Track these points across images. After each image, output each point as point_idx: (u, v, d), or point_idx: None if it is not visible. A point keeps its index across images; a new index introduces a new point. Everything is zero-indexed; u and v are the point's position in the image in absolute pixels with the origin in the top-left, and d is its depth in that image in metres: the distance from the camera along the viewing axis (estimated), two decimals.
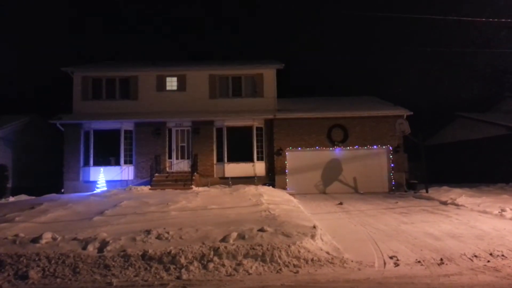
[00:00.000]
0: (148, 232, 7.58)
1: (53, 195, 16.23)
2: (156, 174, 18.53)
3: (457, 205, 12.90)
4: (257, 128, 19.74)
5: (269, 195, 13.66)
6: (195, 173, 18.22)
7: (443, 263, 6.30)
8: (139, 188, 16.40)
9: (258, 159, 19.59)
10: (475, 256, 6.63)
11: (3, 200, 16.27)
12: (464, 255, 6.71)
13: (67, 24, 50.68)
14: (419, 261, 6.43)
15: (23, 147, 20.33)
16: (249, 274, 6.06)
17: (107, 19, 54.83)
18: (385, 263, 6.39)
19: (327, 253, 6.75)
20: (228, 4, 61.15)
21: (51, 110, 22.51)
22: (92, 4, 54.01)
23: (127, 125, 19.39)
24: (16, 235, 7.66)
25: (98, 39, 50.87)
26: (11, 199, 16.67)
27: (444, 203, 13.62)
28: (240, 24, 59.31)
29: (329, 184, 19.57)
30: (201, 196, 13.36)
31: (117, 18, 55.70)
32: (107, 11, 54.60)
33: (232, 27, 57.51)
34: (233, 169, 19.27)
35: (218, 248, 6.62)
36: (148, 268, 6.24)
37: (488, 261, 6.34)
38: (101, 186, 17.54)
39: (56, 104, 26.29)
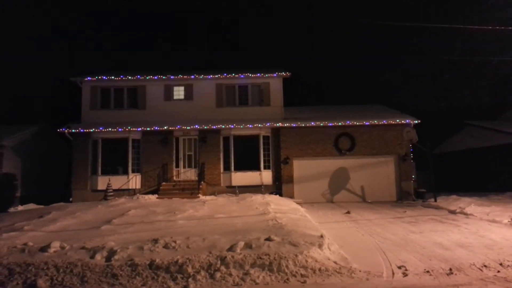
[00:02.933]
0: (155, 241, 7.60)
1: (62, 204, 16.33)
2: (163, 183, 18.61)
3: (466, 214, 12.78)
4: (263, 136, 19.77)
5: (276, 204, 13.62)
6: (202, 182, 18.25)
7: (452, 273, 6.23)
8: (146, 197, 16.46)
9: (265, 168, 19.58)
10: (485, 266, 6.55)
11: (12, 209, 16.41)
12: (474, 265, 6.64)
13: (76, 33, 51.39)
14: (427, 271, 6.37)
15: (32, 156, 20.51)
16: (256, 283, 6.04)
17: (115, 29, 55.49)
18: (393, 273, 6.34)
19: (335, 262, 6.72)
20: (236, 13, 61.68)
21: (59, 119, 22.72)
22: (100, 14, 54.73)
23: (135, 134, 19.53)
24: (25, 244, 7.73)
25: (106, 49, 51.47)
26: (20, 208, 16.80)
27: (453, 212, 13.51)
28: (248, 33, 59.71)
29: (337, 193, 19.49)
30: (208, 205, 13.38)
31: (125, 28, 56.34)
32: (115, 21, 55.31)
33: (239, 36, 57.92)
34: (240, 177, 19.27)
35: (225, 257, 6.62)
36: (155, 277, 6.25)
37: (498, 271, 6.27)
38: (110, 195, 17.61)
39: (64, 113, 26.57)
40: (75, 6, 53.61)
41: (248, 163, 19.45)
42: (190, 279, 6.12)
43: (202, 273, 6.29)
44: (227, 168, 19.53)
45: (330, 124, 19.82)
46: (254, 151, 19.56)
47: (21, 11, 45.60)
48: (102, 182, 18.70)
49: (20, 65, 41.54)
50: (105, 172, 19.00)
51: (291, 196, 18.68)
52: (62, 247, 7.44)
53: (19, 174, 19.35)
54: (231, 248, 7.10)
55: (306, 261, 6.56)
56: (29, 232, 9.21)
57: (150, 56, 50.76)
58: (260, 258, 6.59)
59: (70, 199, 18.64)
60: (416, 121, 19.58)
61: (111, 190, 17.82)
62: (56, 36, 48.74)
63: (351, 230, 10.63)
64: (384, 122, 19.93)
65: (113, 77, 20.92)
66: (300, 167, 19.59)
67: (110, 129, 19.26)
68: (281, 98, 20.60)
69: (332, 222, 12.22)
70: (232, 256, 6.64)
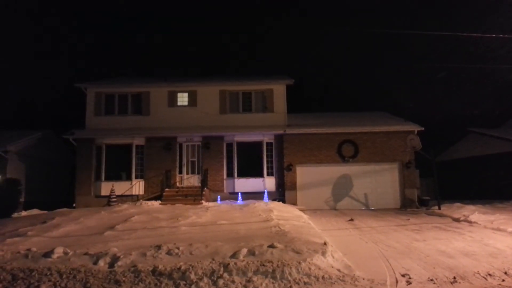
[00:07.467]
0: (158, 247, 7.59)
1: (65, 209, 16.35)
2: (167, 189, 18.62)
3: (470, 222, 12.70)
4: (267, 143, 19.78)
5: (279, 210, 13.60)
6: (205, 188, 18.25)
7: (456, 282, 6.19)
8: (149, 203, 16.47)
9: (268, 175, 19.57)
10: (489, 274, 6.50)
11: (15, 215, 16.43)
12: (478, 273, 6.58)
13: (81, 40, 51.77)
14: (431, 279, 6.32)
15: (36, 162, 20.58)
16: None
17: (120, 36, 55.88)
18: (397, 281, 6.30)
19: (338, 270, 6.68)
20: (239, 20, 61.98)
21: (64, 125, 22.84)
22: (105, 21, 55.15)
23: (139, 140, 19.59)
24: (29, 250, 7.74)
25: (111, 55, 51.81)
26: (24, 213, 16.84)
27: (457, 220, 13.42)
28: (251, 39, 59.95)
29: (340, 200, 19.43)
30: (211, 211, 13.36)
31: (130, 35, 56.72)
32: (120, 28, 55.70)
33: (242, 43, 58.17)
34: (243, 184, 19.26)
35: (228, 264, 6.60)
36: (158, 284, 6.23)
37: (503, 280, 6.21)
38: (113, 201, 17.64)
39: (69, 119, 26.71)
40: (80, 12, 54.07)
41: (251, 169, 19.46)
42: (193, 286, 6.10)
43: (205, 280, 6.26)
44: (230, 174, 19.54)
45: (334, 131, 19.84)
46: (257, 158, 19.57)
47: (27, 17, 46.04)
48: (105, 188, 18.74)
49: (26, 71, 41.87)
50: (108, 178, 19.04)
51: (294, 203, 18.63)
52: (66, 253, 7.45)
53: (23, 179, 19.37)
54: (234, 255, 7.08)
55: (309, 268, 6.53)
56: (33, 238, 9.23)
57: (154, 62, 51.04)
58: (263, 265, 6.56)
59: (74, 205, 18.67)
60: (420, 128, 19.57)
61: (114, 196, 17.85)
62: (61, 41, 49.13)
63: (354, 237, 10.58)
64: (388, 129, 19.94)
65: (117, 84, 21.05)
66: (303, 174, 19.56)
67: (114, 135, 19.35)
68: (285, 105, 20.65)
69: (335, 229, 12.17)
70: (235, 263, 6.63)
